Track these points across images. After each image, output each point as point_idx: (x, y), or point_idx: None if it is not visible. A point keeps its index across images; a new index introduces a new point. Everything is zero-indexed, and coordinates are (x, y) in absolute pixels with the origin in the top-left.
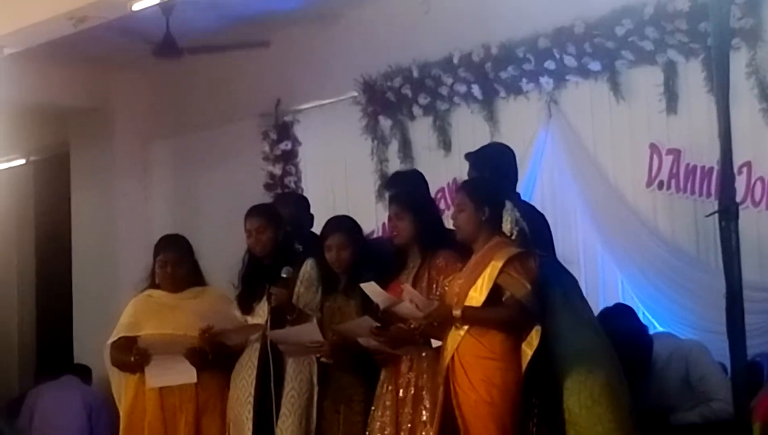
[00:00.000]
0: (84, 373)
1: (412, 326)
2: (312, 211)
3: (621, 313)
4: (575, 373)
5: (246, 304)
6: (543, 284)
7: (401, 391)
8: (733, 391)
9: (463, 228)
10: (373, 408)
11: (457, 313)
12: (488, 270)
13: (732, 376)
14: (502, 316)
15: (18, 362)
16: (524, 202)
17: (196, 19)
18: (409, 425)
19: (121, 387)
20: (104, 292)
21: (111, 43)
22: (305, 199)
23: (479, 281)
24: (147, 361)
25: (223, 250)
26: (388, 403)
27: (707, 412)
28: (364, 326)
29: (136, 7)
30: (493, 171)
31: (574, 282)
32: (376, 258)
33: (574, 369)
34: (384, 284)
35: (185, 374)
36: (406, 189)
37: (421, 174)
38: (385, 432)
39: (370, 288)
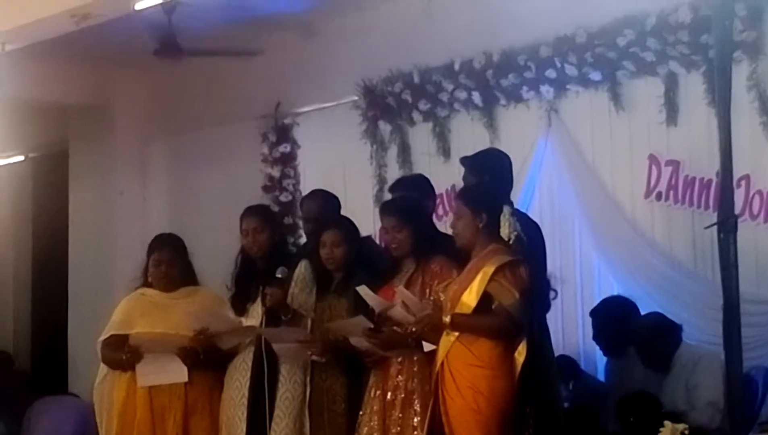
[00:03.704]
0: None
1: (406, 330)
2: None
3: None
4: None
5: (240, 306)
6: None
7: (389, 394)
8: (728, 404)
9: (461, 235)
10: (361, 413)
11: (446, 319)
12: (480, 276)
13: (727, 388)
14: (490, 324)
15: (12, 350)
16: (519, 211)
17: (199, 20)
18: (399, 428)
19: (106, 382)
20: (100, 290)
21: (112, 41)
22: (335, 198)
23: (471, 287)
24: (138, 359)
25: (220, 251)
26: (376, 407)
27: (683, 419)
28: (357, 326)
29: (138, 6)
30: (492, 176)
31: None
32: (371, 260)
33: None
34: (377, 287)
35: (176, 373)
36: (400, 198)
37: (426, 179)
38: None
39: (364, 291)
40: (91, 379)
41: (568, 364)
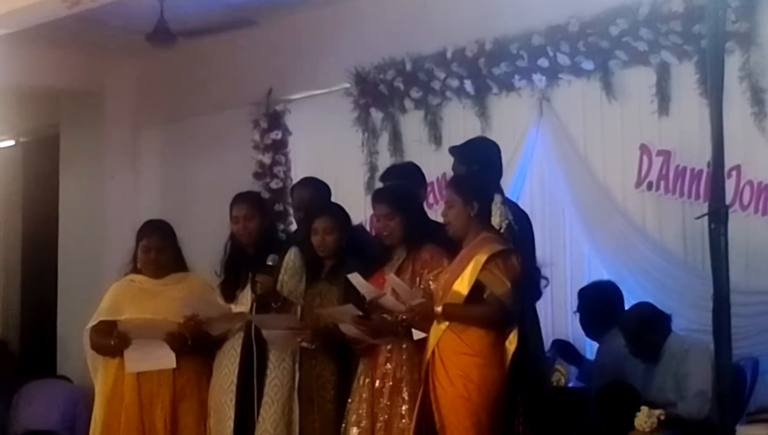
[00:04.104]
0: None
1: (397, 318)
2: None
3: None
4: None
5: (229, 292)
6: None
7: (378, 381)
8: (717, 394)
9: (453, 224)
10: (349, 400)
11: (438, 309)
12: (471, 265)
13: (716, 378)
14: (481, 313)
15: (1, 334)
16: (508, 199)
17: (190, 6)
18: (386, 416)
19: (99, 371)
20: (90, 275)
21: (104, 27)
22: (326, 186)
23: (462, 276)
24: (126, 345)
25: (211, 238)
26: (364, 395)
27: (671, 409)
28: (346, 313)
29: None
30: (482, 165)
31: None
32: (362, 247)
33: None
34: (368, 275)
35: (164, 359)
36: (392, 186)
37: (417, 167)
38: (362, 424)
39: (356, 279)
40: (81, 362)
41: (570, 349)
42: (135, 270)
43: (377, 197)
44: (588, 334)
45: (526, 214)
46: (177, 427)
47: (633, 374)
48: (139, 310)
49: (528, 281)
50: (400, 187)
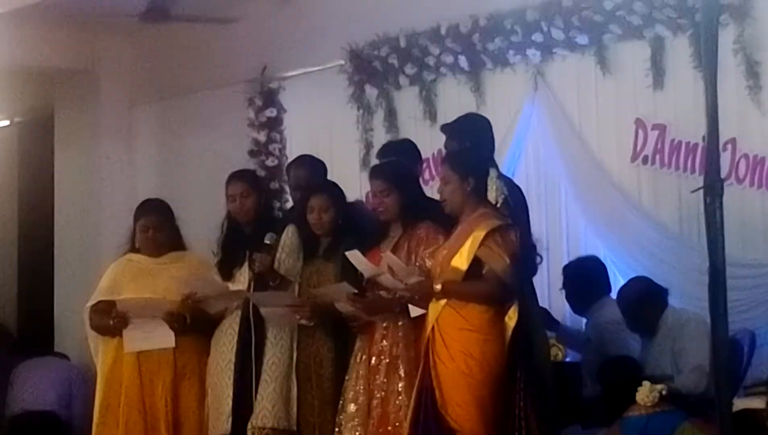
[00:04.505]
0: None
1: (395, 295)
2: None
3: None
4: None
5: (226, 271)
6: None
7: (374, 358)
8: (714, 368)
9: (449, 200)
10: (347, 377)
11: (437, 287)
12: (470, 241)
13: (713, 352)
14: (481, 290)
15: None
16: (502, 174)
17: None
18: (383, 393)
19: (99, 351)
20: (86, 255)
21: (98, 5)
22: (322, 164)
23: (461, 252)
24: (125, 325)
25: (206, 216)
26: (361, 372)
27: (669, 383)
28: (341, 292)
29: None
30: (474, 141)
31: None
32: (358, 225)
33: None
34: (364, 252)
35: (163, 339)
36: (389, 163)
37: (413, 144)
38: (359, 401)
39: (354, 256)
40: (78, 342)
41: (545, 315)
42: (133, 249)
43: (374, 173)
44: (575, 311)
45: (519, 189)
46: (178, 405)
47: (628, 348)
48: (137, 290)
49: (524, 255)
50: (398, 163)
